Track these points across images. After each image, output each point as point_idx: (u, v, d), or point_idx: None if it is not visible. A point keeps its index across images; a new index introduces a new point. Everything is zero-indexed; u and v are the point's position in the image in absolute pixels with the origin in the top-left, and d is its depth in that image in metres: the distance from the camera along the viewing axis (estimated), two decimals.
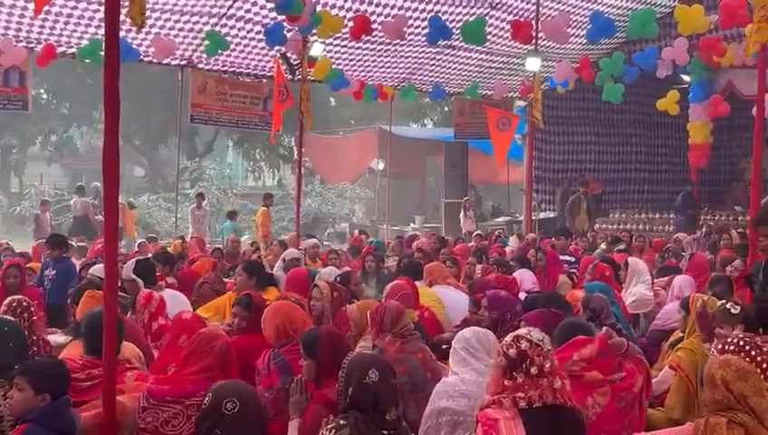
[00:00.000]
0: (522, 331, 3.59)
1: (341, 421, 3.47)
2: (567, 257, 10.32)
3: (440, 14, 14.07)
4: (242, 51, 15.14)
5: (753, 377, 3.27)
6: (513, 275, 8.11)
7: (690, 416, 4.84)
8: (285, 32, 12.62)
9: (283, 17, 11.62)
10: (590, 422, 3.98)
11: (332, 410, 3.76)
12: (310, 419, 3.93)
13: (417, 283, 7.15)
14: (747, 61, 13.92)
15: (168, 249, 11.55)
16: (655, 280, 8.45)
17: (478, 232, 16.09)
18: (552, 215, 19.30)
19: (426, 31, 13.79)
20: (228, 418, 3.51)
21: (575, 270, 9.44)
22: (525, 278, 8.29)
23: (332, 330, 4.59)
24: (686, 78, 16.62)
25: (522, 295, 7.17)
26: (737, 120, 19.68)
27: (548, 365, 3.43)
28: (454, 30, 13.78)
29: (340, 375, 3.70)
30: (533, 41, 13.62)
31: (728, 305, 4.79)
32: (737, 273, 7.63)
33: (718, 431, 3.15)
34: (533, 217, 17.76)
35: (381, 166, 25.28)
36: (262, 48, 14.62)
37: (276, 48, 13.39)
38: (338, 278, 7.04)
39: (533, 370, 3.40)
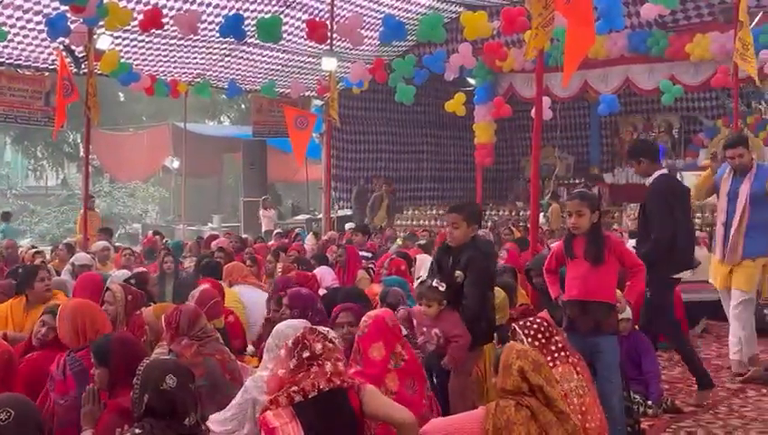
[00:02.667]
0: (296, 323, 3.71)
1: (137, 430, 3.33)
2: (365, 253, 10.53)
3: (235, 11, 13.88)
4: (21, 42, 14.09)
5: (545, 368, 3.50)
6: (314, 272, 8.16)
7: (481, 399, 5.11)
8: (69, 23, 11.92)
9: (67, 8, 10.96)
10: None
11: (127, 418, 3.60)
12: (103, 429, 3.75)
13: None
14: (527, 65, 14.90)
15: None
16: None
17: (278, 230, 16.05)
18: (349, 212, 19.63)
19: (220, 27, 13.54)
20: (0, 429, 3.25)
21: (372, 265, 9.65)
22: (325, 275, 8.36)
23: (125, 336, 4.40)
24: (471, 81, 17.47)
25: (322, 292, 7.23)
26: (518, 121, 21.02)
27: (319, 347, 3.51)
28: (249, 27, 13.65)
29: (135, 382, 3.54)
30: (329, 41, 13.77)
31: (434, 283, 5.04)
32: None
33: (507, 413, 3.33)
34: (332, 215, 17.98)
35: (176, 164, 24.53)
36: (43, 39, 13.70)
37: (60, 40, 12.61)
38: (132, 280, 6.74)
39: (305, 354, 3.48)
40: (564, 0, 6.65)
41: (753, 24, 11.25)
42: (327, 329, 3.83)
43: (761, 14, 12.84)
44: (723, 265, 6.87)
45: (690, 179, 16.36)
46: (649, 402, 5.53)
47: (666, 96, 15.10)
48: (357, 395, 3.57)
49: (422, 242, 11.19)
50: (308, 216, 21.62)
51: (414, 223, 18.36)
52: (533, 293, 7.18)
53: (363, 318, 4.48)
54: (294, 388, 3.43)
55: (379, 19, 14.99)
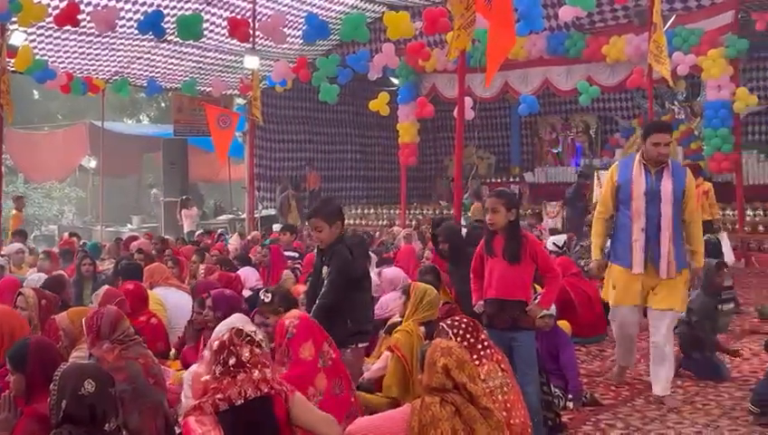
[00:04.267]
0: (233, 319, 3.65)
1: None
2: (291, 253, 10.47)
3: (155, 8, 13.62)
4: None
5: (469, 366, 3.54)
6: (237, 272, 8.08)
7: (407, 395, 5.15)
8: None
9: None
10: None
11: (45, 425, 3.49)
12: None
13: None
14: (449, 66, 15.08)
15: None
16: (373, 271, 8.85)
17: (200, 231, 15.82)
18: (273, 212, 19.50)
19: (138, 24, 13.27)
20: None
21: (299, 265, 9.61)
22: (249, 276, 8.29)
23: (41, 340, 4.25)
24: (395, 81, 17.57)
25: (246, 293, 7.16)
26: (441, 121, 21.25)
27: (246, 354, 3.48)
28: (169, 24, 13.41)
29: (52, 388, 3.44)
30: (251, 39, 13.64)
31: (262, 296, 5.22)
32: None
33: (432, 410, 3.36)
34: (256, 215, 17.83)
35: (93, 164, 23.92)
36: None
37: None
38: (47, 284, 6.54)
39: (231, 361, 3.44)
40: (485, 2, 6.75)
41: (667, 26, 11.64)
42: (254, 330, 3.78)
43: (674, 17, 13.31)
44: (642, 279, 5.65)
45: (605, 177, 16.94)
46: (569, 396, 5.65)
47: (583, 97, 15.50)
48: (285, 403, 3.55)
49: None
50: (231, 216, 21.37)
51: None
52: (435, 258, 7.25)
53: (288, 319, 4.44)
54: (220, 395, 3.38)
55: (301, 18, 14.93)
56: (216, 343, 3.58)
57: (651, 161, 5.61)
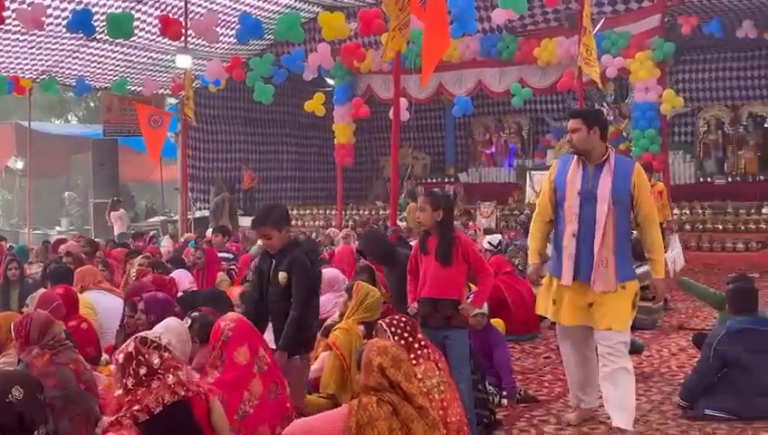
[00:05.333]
0: (156, 328, 3.60)
1: None
2: (225, 254, 10.36)
3: (84, 6, 13.32)
4: None
5: (405, 365, 3.56)
6: (171, 275, 7.95)
7: (344, 392, 5.15)
8: None
9: None
10: (248, 417, 4.07)
11: None
12: None
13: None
14: (384, 67, 15.13)
15: None
16: None
17: (132, 233, 15.53)
18: (207, 213, 19.25)
19: (67, 21, 12.96)
20: None
21: (234, 267, 9.51)
22: (183, 278, 8.17)
23: None
24: (330, 81, 17.54)
25: (180, 296, 7.05)
26: (377, 122, 21.30)
27: (157, 361, 3.44)
28: (99, 22, 13.13)
29: None
30: (183, 38, 13.45)
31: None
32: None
33: (369, 409, 3.37)
34: (189, 217, 17.58)
35: (20, 165, 23.25)
36: None
37: None
38: None
39: (143, 370, 3.40)
40: (420, 3, 6.80)
41: (596, 30, 11.90)
42: (158, 334, 3.72)
43: (603, 20, 13.61)
44: (577, 294, 4.88)
45: (537, 178, 17.30)
46: (504, 393, 5.73)
47: (515, 98, 15.73)
48: (205, 404, 3.52)
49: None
50: (163, 217, 21.04)
51: None
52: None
53: (224, 322, 4.40)
54: (137, 407, 3.34)
55: (235, 17, 14.80)
56: (122, 355, 3.50)
57: (586, 156, 4.88)
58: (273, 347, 4.75)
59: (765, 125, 18.17)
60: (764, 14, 14.92)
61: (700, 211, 15.01)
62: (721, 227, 14.47)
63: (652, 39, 13.76)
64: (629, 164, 4.96)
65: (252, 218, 5.01)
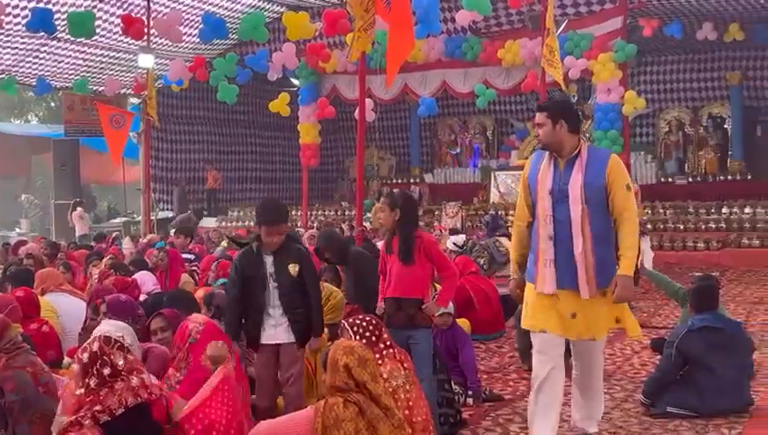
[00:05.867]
0: (103, 327, 3.55)
1: None
2: (187, 255, 10.27)
3: (44, 4, 13.12)
4: None
5: (371, 365, 3.55)
6: (134, 277, 7.85)
7: (310, 395, 5.13)
8: None
9: None
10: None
11: None
12: None
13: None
14: (349, 67, 15.11)
15: None
16: None
17: (94, 234, 15.34)
18: (170, 214, 19.09)
19: (27, 20, 12.76)
20: None
21: (196, 267, 9.42)
22: (146, 280, 8.07)
23: None
24: (295, 81, 17.48)
25: (143, 298, 6.97)
26: (342, 122, 21.28)
27: (121, 362, 3.40)
28: (60, 21, 12.95)
29: None
30: (146, 37, 13.32)
31: None
32: None
33: (336, 410, 3.36)
34: (152, 218, 17.39)
35: None
36: None
37: None
38: None
39: (106, 371, 3.36)
40: (384, 4, 6.81)
41: (559, 31, 12.00)
42: (121, 335, 3.68)
43: (566, 22, 13.74)
44: (560, 301, 4.42)
45: (501, 178, 17.41)
46: (469, 392, 5.76)
47: (480, 99, 15.81)
48: (165, 407, 3.48)
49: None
50: (126, 218, 20.81)
51: (240, 224, 18.14)
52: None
53: (193, 323, 4.37)
54: (98, 407, 3.29)
55: (198, 16, 14.68)
56: (86, 354, 3.44)
57: (557, 152, 4.46)
58: (278, 342, 4.79)
59: (725, 126, 18.50)
60: (724, 17, 15.20)
61: (662, 211, 15.24)
62: (682, 226, 14.70)
63: (614, 41, 13.92)
64: (603, 156, 4.46)
65: (268, 217, 4.89)
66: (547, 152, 4.51)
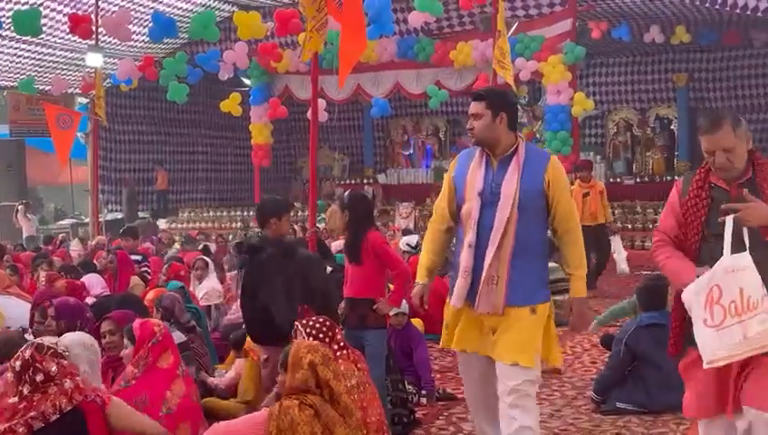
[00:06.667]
0: (64, 341, 3.54)
1: None
2: (135, 257, 10.11)
3: None
4: None
5: (333, 363, 3.57)
6: (82, 280, 7.72)
7: (257, 400, 5.11)
8: None
9: None
10: (172, 414, 4.03)
11: None
12: None
13: None
14: (301, 67, 15.06)
15: None
16: (228, 274, 8.73)
17: (41, 236, 15.03)
18: (119, 216, 18.80)
19: None
20: None
21: (147, 270, 9.30)
22: (94, 283, 7.94)
23: None
24: (247, 81, 17.36)
25: (90, 300, 6.86)
26: (295, 123, 21.19)
27: (54, 368, 3.38)
28: (4, 19, 12.66)
29: None
30: (94, 36, 13.10)
31: None
32: None
33: (291, 413, 3.33)
34: (101, 219, 17.11)
35: None
36: None
37: None
38: None
39: (39, 377, 3.33)
40: (337, 4, 6.80)
41: (510, 33, 12.11)
42: (56, 341, 3.64)
43: (516, 24, 13.88)
44: (475, 317, 3.87)
45: None
46: (423, 392, 5.78)
47: (432, 100, 15.88)
48: (102, 409, 3.45)
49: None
50: (74, 220, 20.44)
51: (190, 225, 17.94)
52: None
53: (157, 326, 4.35)
54: (33, 413, 3.25)
55: (148, 15, 14.48)
56: (18, 362, 3.40)
57: (490, 149, 3.89)
58: None
59: (671, 127, 18.87)
60: (670, 20, 15.51)
61: (610, 210, 15.45)
62: (630, 226, 14.94)
63: (564, 43, 14.10)
64: (543, 157, 3.93)
65: (280, 206, 5.17)
66: (479, 149, 3.94)
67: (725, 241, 3.14)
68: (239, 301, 6.75)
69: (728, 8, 13.21)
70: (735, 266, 3.11)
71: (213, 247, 11.48)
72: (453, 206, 3.99)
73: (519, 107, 19.08)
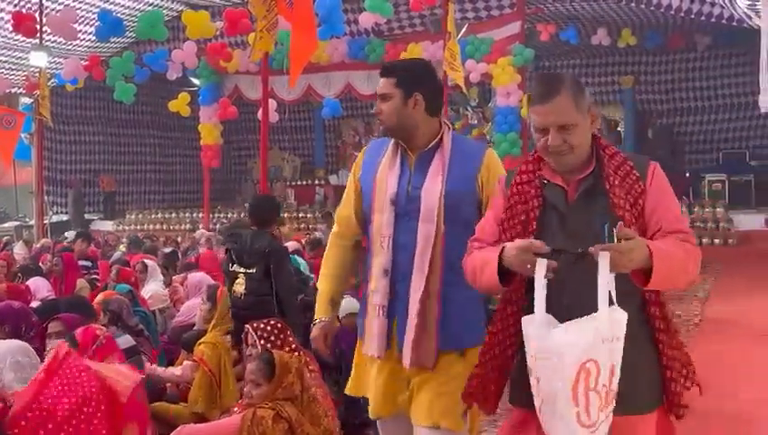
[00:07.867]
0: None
1: None
2: (84, 262, 9.93)
3: None
4: None
5: (307, 370, 3.61)
6: (27, 283, 7.55)
7: (213, 410, 5.03)
8: None
9: None
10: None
11: None
12: None
13: None
14: (252, 67, 14.95)
15: None
16: (173, 277, 8.60)
17: None
18: (65, 218, 18.44)
19: None
20: None
21: (96, 274, 9.14)
22: (39, 286, 7.77)
23: None
24: (196, 81, 17.17)
25: (35, 304, 6.71)
26: (245, 123, 21.03)
27: None
28: None
29: None
30: (38, 35, 12.83)
31: None
32: None
33: (264, 425, 3.26)
34: (45, 221, 16.75)
35: None
36: None
37: None
38: None
39: None
40: (287, 4, 6.77)
41: (460, 35, 12.21)
42: None
43: (466, 26, 13.98)
44: (393, 368, 2.87)
45: None
46: None
47: None
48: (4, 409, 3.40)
49: (148, 246, 10.84)
50: (17, 222, 19.97)
51: (138, 227, 17.68)
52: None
53: (100, 329, 4.28)
54: None
55: (94, 14, 14.24)
56: None
57: (405, 140, 2.89)
58: None
59: (618, 129, 19.20)
60: (617, 23, 15.79)
61: None
62: None
63: (513, 45, 14.24)
64: (475, 150, 2.90)
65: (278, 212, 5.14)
66: (392, 141, 2.93)
67: (600, 284, 2.06)
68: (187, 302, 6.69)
69: (673, 12, 13.50)
70: (613, 333, 2.07)
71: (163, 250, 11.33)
72: (361, 216, 3.00)
73: (470, 108, 19.28)
